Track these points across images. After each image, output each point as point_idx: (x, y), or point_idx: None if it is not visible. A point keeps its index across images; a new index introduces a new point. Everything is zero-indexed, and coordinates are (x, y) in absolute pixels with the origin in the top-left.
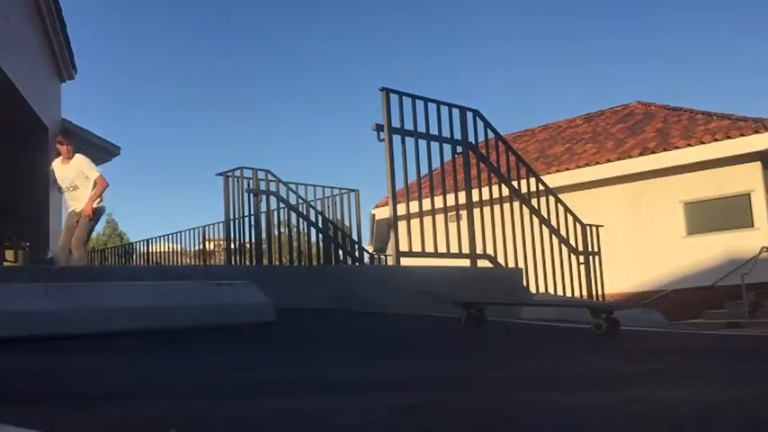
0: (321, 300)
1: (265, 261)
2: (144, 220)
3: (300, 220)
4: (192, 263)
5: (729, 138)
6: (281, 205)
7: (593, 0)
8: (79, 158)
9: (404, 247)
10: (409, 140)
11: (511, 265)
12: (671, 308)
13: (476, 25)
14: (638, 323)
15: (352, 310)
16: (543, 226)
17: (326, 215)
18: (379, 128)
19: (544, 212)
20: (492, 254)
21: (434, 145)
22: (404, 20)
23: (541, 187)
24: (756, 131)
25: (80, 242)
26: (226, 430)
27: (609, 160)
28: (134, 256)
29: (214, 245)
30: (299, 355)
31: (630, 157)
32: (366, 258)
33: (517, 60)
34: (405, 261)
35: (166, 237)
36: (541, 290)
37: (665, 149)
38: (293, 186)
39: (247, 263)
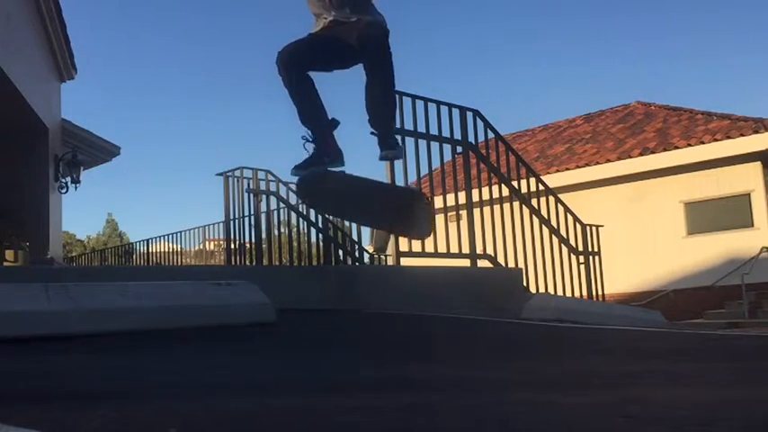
0: (321, 300)
1: (265, 261)
2: (144, 220)
3: (300, 220)
4: (192, 263)
5: (729, 138)
6: (281, 205)
7: (593, 0)
8: None
9: (404, 248)
10: (409, 140)
11: (511, 265)
12: (671, 308)
13: (476, 25)
14: (638, 323)
15: (352, 309)
16: (543, 226)
17: (326, 215)
18: None
19: (544, 212)
20: (492, 254)
21: (434, 145)
22: (403, 19)
23: (541, 187)
24: (756, 131)
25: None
26: (226, 430)
27: (609, 160)
28: (134, 256)
29: (214, 245)
30: (299, 355)
31: (630, 157)
32: (366, 258)
33: (517, 60)
34: (405, 261)
35: (166, 237)
36: (541, 290)
37: (665, 149)
38: (293, 186)
39: (247, 263)
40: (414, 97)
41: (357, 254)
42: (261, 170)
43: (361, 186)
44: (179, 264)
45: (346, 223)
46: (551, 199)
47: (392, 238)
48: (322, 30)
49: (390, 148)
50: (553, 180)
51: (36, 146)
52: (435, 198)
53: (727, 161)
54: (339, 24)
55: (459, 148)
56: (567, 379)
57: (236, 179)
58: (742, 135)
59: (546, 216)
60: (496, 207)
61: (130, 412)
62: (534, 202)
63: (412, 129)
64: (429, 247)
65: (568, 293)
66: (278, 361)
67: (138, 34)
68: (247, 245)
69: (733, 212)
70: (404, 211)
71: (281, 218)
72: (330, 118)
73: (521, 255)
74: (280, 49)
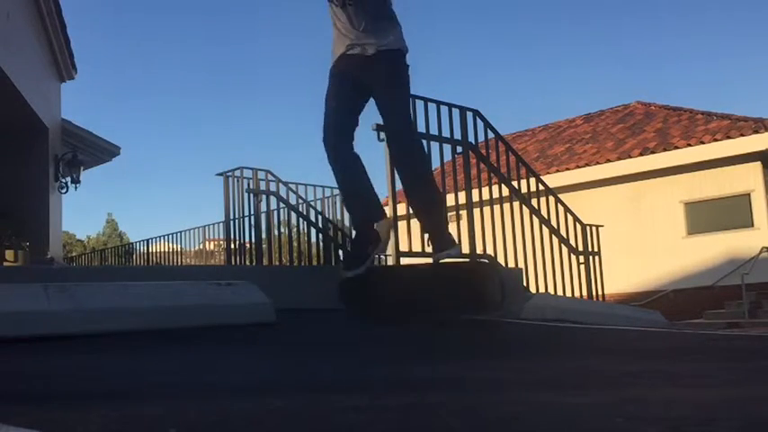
0: (321, 300)
1: (265, 261)
2: (144, 220)
3: (300, 220)
4: (192, 263)
5: (729, 138)
6: (281, 205)
7: (593, 1)
8: None
9: (404, 248)
10: None
11: (511, 265)
12: (671, 308)
13: (477, 25)
14: (638, 323)
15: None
16: (543, 226)
17: (326, 215)
18: (379, 128)
19: (544, 212)
20: (492, 254)
21: (434, 145)
22: (403, 18)
23: (541, 187)
24: (756, 131)
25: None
26: (226, 430)
27: (609, 160)
28: (134, 256)
29: (214, 245)
30: (299, 355)
31: (630, 157)
32: None
33: (518, 60)
34: (405, 261)
35: (166, 237)
36: (541, 290)
37: (665, 149)
38: (293, 186)
39: (247, 263)
40: (413, 97)
41: None
42: (261, 170)
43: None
44: (179, 264)
45: (346, 223)
46: (551, 199)
47: (392, 237)
48: (341, 63)
49: (446, 248)
50: (553, 180)
51: (36, 146)
52: None
53: (727, 161)
54: (357, 63)
55: (459, 148)
56: (566, 379)
57: (236, 179)
58: (742, 135)
59: (546, 216)
60: (496, 207)
61: (130, 412)
62: (534, 202)
63: None
64: (429, 248)
65: (568, 293)
66: (278, 361)
67: (138, 34)
68: (247, 245)
69: (733, 212)
70: (466, 289)
71: (281, 218)
72: (379, 208)
73: (521, 255)
74: (324, 127)
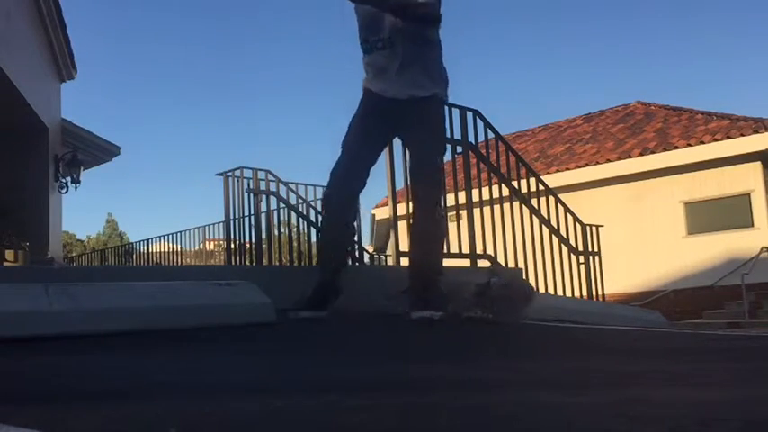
0: None
1: (265, 261)
2: (144, 220)
3: (300, 220)
4: (192, 263)
5: (729, 138)
6: (281, 205)
7: (593, 1)
8: None
9: (404, 248)
10: None
11: (511, 265)
12: (671, 308)
13: (476, 26)
14: (638, 323)
15: (352, 309)
16: (543, 226)
17: None
18: None
19: (544, 212)
20: (492, 254)
21: None
22: None
23: (541, 187)
24: (756, 131)
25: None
26: (226, 430)
27: (609, 160)
28: (134, 256)
29: (214, 245)
30: (299, 355)
31: (630, 157)
32: (366, 258)
33: (517, 61)
34: (405, 261)
35: (166, 237)
36: (541, 290)
37: (665, 149)
38: (293, 186)
39: (247, 263)
40: None
41: (357, 254)
42: (261, 170)
43: None
44: (179, 264)
45: None
46: (551, 199)
47: (392, 237)
48: (369, 103)
49: (431, 308)
50: (553, 180)
51: (36, 146)
52: None
53: (727, 161)
54: (387, 106)
55: (459, 148)
56: (567, 379)
57: (236, 179)
58: (742, 135)
59: (546, 216)
60: (496, 207)
61: (130, 412)
62: (534, 202)
63: None
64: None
65: (568, 293)
66: (278, 361)
67: (138, 34)
68: (247, 245)
69: (733, 212)
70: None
71: (281, 218)
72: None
73: (521, 255)
74: (331, 176)
